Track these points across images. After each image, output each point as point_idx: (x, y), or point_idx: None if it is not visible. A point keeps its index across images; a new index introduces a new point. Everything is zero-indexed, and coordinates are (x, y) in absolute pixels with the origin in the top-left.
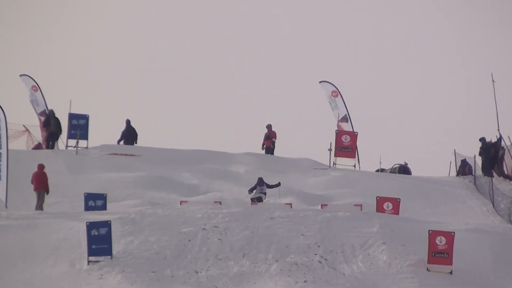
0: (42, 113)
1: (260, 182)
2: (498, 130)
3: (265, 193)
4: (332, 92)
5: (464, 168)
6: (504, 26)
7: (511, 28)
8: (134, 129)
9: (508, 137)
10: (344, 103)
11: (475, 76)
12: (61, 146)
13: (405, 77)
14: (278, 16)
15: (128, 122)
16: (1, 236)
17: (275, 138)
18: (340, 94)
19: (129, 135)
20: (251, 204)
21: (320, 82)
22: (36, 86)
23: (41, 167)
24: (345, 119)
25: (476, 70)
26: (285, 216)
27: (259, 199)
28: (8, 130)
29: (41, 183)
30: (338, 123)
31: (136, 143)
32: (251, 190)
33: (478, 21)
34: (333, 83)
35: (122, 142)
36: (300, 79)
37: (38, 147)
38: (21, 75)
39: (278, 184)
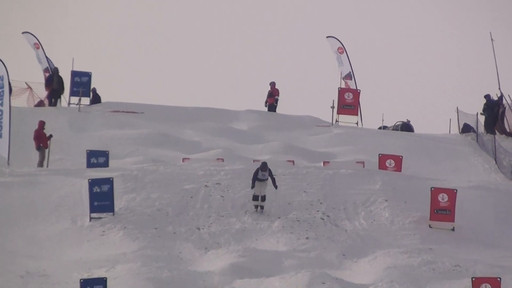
0: (45, 70)
1: (264, 167)
2: (499, 88)
3: (266, 180)
4: (338, 48)
5: (468, 132)
6: None
7: None
8: (99, 96)
9: (509, 95)
10: (349, 60)
11: (475, 34)
12: (63, 103)
13: (408, 36)
14: None
15: (93, 90)
16: (4, 193)
17: (278, 96)
18: (346, 50)
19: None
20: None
21: (327, 37)
22: (38, 43)
23: (40, 124)
24: (349, 76)
25: (475, 28)
26: (287, 173)
27: (263, 198)
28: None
29: (40, 140)
30: (342, 80)
31: None
32: (254, 179)
33: None
34: (339, 39)
35: None
36: (303, 36)
37: (39, 104)
38: (23, 33)
39: (275, 186)
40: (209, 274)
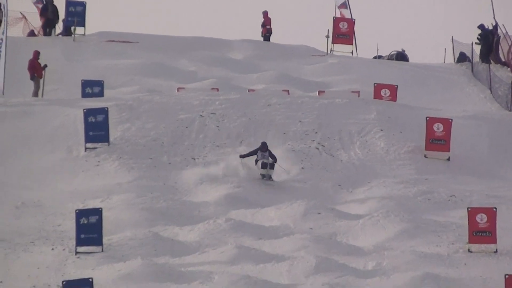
0: (38, 1)
1: (263, 147)
2: (494, 17)
3: (272, 163)
4: None
5: (463, 61)
6: None
7: None
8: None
9: (503, 24)
10: None
11: None
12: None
13: None
14: None
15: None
16: None
17: (270, 25)
18: None
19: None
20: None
21: None
22: None
23: (35, 54)
24: (345, 5)
25: None
26: (282, 103)
27: (271, 166)
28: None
29: (34, 70)
30: (337, 9)
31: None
32: (253, 154)
33: None
34: None
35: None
36: None
37: (31, 34)
38: None
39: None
40: (205, 204)
